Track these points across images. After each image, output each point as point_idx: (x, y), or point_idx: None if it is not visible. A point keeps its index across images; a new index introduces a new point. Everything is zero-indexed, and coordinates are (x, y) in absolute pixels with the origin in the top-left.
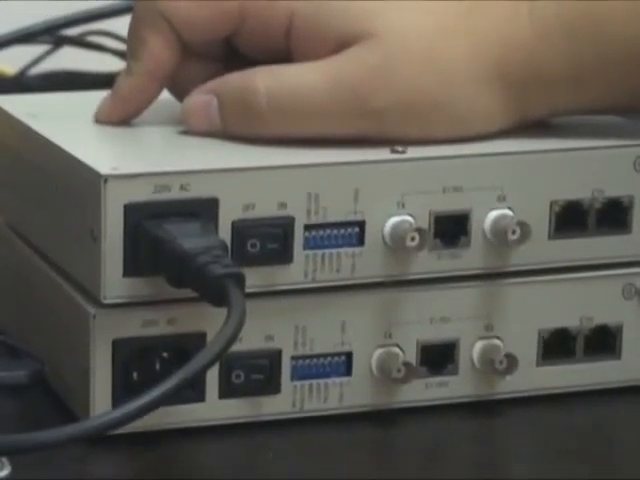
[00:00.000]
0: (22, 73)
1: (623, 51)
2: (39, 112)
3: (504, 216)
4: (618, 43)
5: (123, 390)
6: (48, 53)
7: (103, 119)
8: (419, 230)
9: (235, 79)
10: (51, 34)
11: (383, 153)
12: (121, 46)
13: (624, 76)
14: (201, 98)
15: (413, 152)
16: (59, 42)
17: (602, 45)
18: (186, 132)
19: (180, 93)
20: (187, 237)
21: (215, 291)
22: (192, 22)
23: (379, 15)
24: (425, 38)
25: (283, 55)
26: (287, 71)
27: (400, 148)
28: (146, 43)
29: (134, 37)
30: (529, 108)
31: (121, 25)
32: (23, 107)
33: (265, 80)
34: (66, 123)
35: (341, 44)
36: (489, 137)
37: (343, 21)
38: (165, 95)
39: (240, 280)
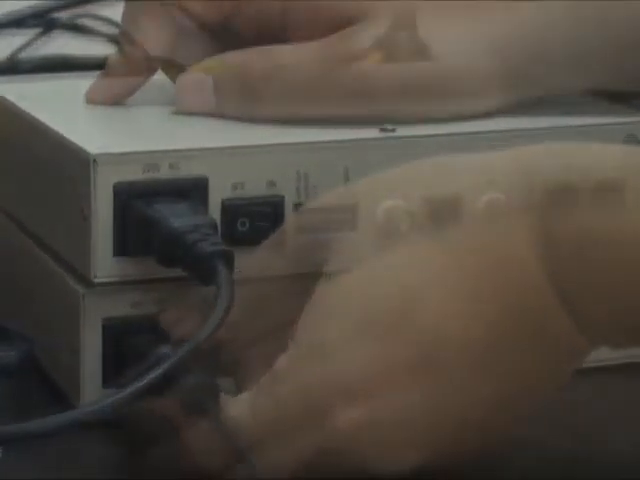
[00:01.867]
0: (12, 57)
1: (627, 36)
2: (29, 94)
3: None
4: (622, 28)
5: (113, 370)
6: (38, 37)
7: (94, 99)
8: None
9: (231, 59)
10: (42, 18)
11: (372, 132)
12: (113, 30)
13: (626, 60)
14: (196, 77)
15: (402, 131)
16: (50, 26)
17: (606, 29)
18: (177, 112)
19: (174, 73)
20: (176, 216)
21: (204, 269)
22: (189, 5)
23: None
24: (421, 17)
25: (280, 36)
26: (283, 51)
27: (390, 127)
28: (141, 24)
29: (129, 18)
30: (528, 86)
31: (113, 9)
32: (13, 90)
33: (261, 60)
34: (56, 105)
35: (336, 25)
36: (486, 115)
37: (338, 2)
38: (156, 75)
39: (229, 258)
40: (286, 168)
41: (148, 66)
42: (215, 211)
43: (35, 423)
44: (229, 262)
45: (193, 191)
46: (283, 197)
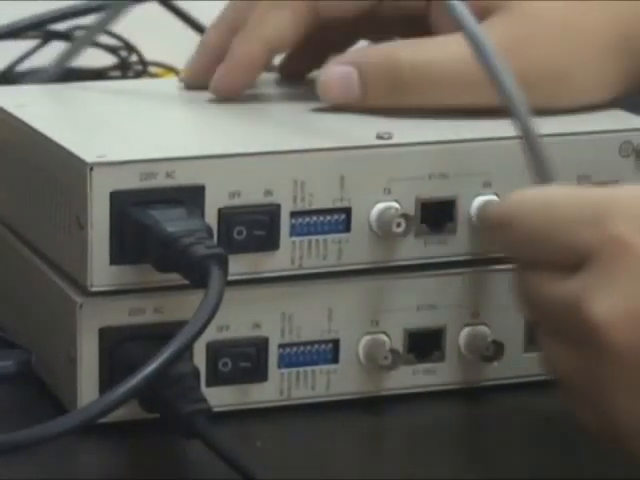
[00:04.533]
0: (10, 68)
1: None
2: (26, 102)
3: (490, 202)
4: None
5: (110, 378)
6: (37, 48)
7: (221, 89)
8: (405, 216)
9: (377, 53)
10: (39, 29)
11: (369, 139)
12: (110, 41)
13: None
14: (340, 70)
15: (399, 138)
16: (48, 37)
17: None
18: (172, 119)
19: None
20: (171, 221)
21: (198, 272)
22: (335, 6)
23: None
24: (559, 10)
25: (419, 28)
26: (428, 44)
27: (386, 134)
28: (277, 14)
29: (269, 3)
30: None
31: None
32: (10, 97)
33: (408, 53)
34: (53, 112)
35: (479, 17)
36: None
37: None
38: (153, 81)
39: (223, 261)
40: (283, 176)
41: (269, 57)
42: (212, 219)
43: (27, 432)
44: (223, 265)
45: (190, 199)
46: (280, 205)
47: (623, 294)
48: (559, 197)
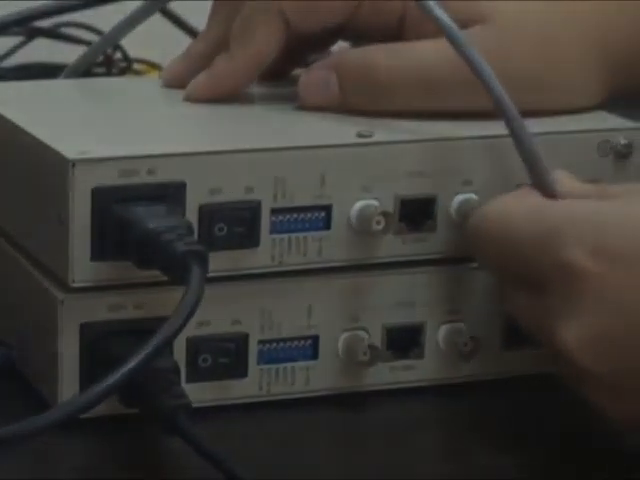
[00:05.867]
0: None
1: None
2: (8, 99)
3: (469, 200)
4: None
5: (91, 374)
6: (21, 45)
7: (196, 97)
8: (385, 214)
9: (355, 56)
10: (24, 26)
11: (349, 137)
12: (95, 38)
13: None
14: (320, 73)
15: (379, 136)
16: (32, 34)
17: None
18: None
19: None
20: (152, 217)
21: (178, 269)
22: (307, 19)
23: (494, 0)
24: (536, 20)
25: (393, 38)
26: (407, 49)
27: (366, 132)
28: (255, 31)
29: (244, 21)
30: (628, 85)
31: (95, 17)
32: None
33: (385, 57)
34: (35, 109)
35: (461, 26)
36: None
37: (460, 5)
38: (136, 78)
39: (203, 258)
40: (263, 173)
41: (253, 72)
42: (193, 216)
43: (8, 428)
44: (203, 262)
45: (171, 196)
46: (260, 202)
47: (582, 323)
48: (516, 218)
